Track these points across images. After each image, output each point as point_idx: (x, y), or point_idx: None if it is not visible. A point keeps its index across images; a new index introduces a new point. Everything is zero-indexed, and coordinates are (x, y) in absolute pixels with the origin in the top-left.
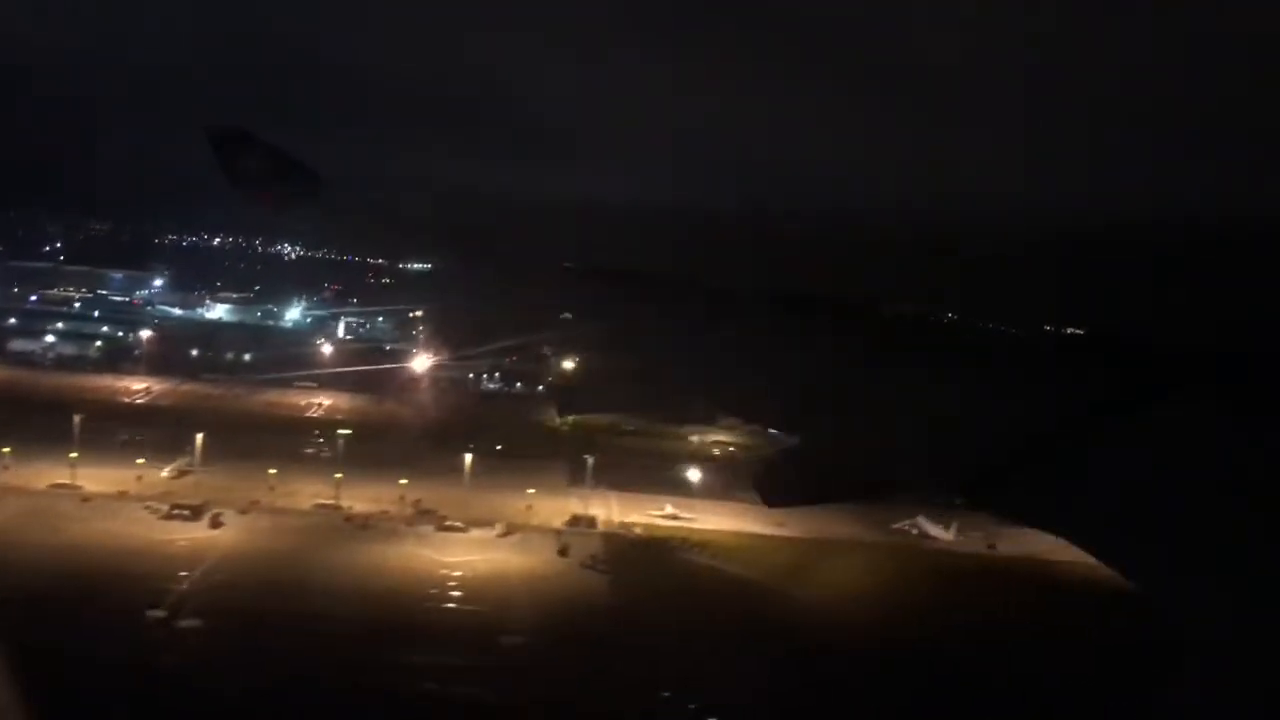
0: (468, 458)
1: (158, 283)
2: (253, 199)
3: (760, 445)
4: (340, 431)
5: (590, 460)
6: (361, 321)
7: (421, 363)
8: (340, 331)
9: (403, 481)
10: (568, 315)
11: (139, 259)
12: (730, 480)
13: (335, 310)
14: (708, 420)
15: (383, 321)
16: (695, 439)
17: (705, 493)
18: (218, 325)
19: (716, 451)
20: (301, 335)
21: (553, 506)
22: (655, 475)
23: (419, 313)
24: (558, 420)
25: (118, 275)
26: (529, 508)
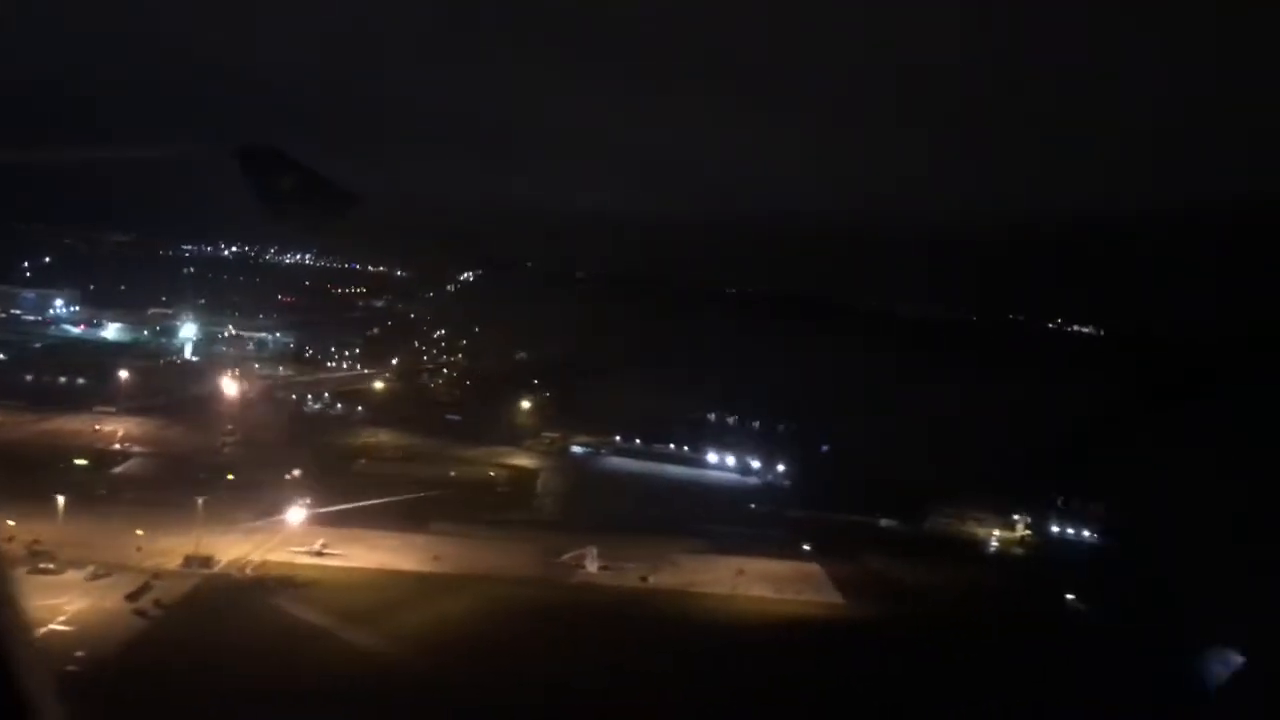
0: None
1: (60, 302)
2: (281, 216)
3: (547, 466)
4: (77, 462)
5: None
6: (266, 338)
7: (260, 381)
8: (229, 348)
9: (11, 522)
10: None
11: (123, 273)
12: (452, 507)
13: (245, 326)
14: (512, 441)
15: (280, 337)
16: (479, 461)
17: (404, 522)
18: (95, 345)
19: (492, 474)
20: (164, 353)
21: (174, 543)
22: (373, 502)
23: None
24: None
25: (30, 294)
26: (139, 549)
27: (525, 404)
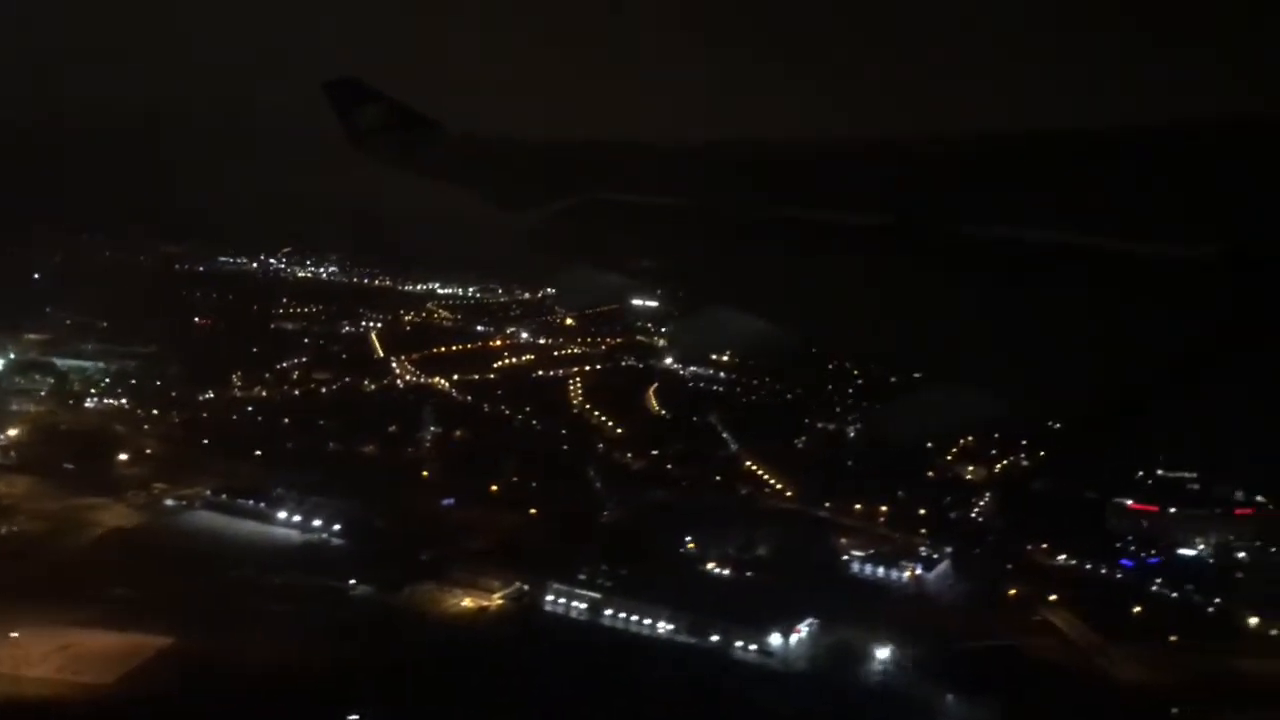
0: None
1: None
2: (375, 149)
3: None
4: None
5: None
6: (85, 366)
7: None
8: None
9: None
10: None
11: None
12: None
13: (64, 351)
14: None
15: (97, 365)
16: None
17: None
18: None
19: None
20: None
21: None
22: None
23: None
24: None
25: None
26: None
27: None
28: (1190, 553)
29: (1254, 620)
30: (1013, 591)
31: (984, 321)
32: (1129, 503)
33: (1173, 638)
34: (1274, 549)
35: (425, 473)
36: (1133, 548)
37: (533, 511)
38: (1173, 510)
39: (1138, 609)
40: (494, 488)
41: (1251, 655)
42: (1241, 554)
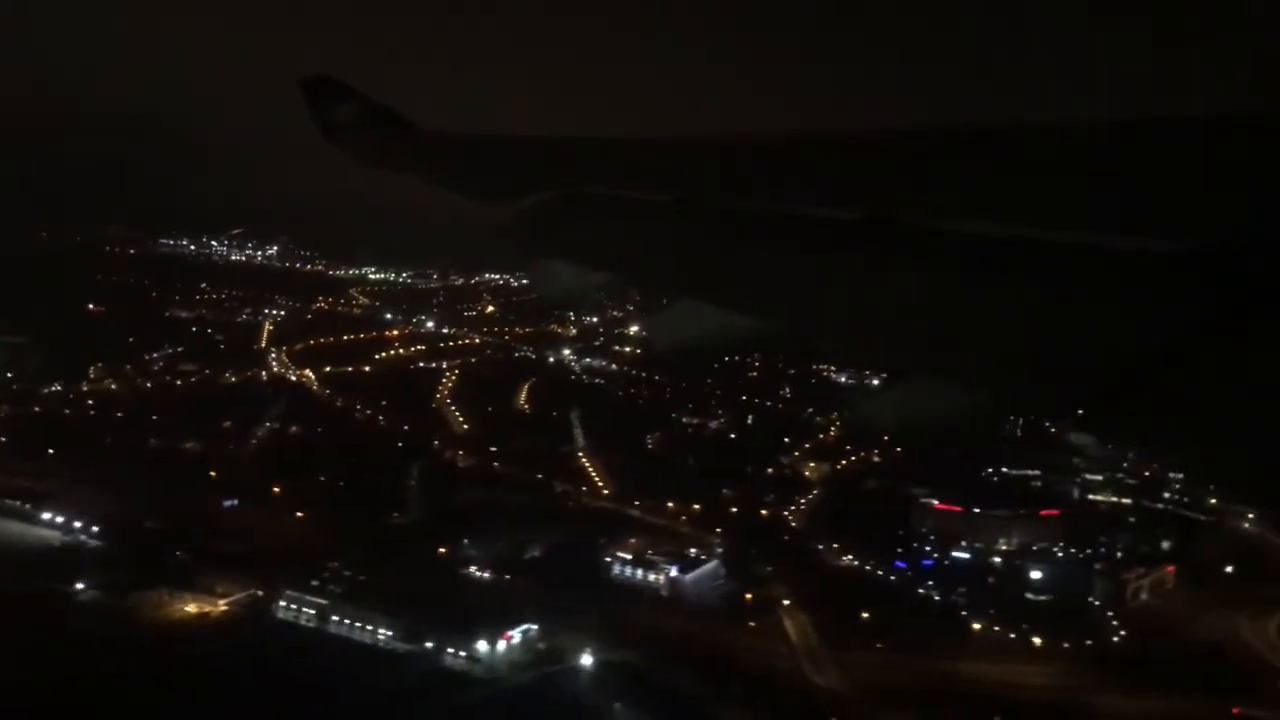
0: None
1: None
2: (349, 146)
3: None
4: None
5: None
6: None
7: None
8: None
9: None
10: None
11: None
12: None
13: None
14: None
15: None
16: None
17: None
18: None
19: None
20: None
21: None
22: None
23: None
24: None
25: None
26: None
27: None
28: (965, 555)
29: (977, 625)
30: (748, 596)
31: (961, 316)
32: (934, 503)
33: (879, 645)
34: (1035, 553)
35: (213, 472)
36: (927, 548)
37: (300, 515)
38: (976, 511)
39: (866, 614)
40: (276, 489)
41: (973, 659)
42: (996, 559)
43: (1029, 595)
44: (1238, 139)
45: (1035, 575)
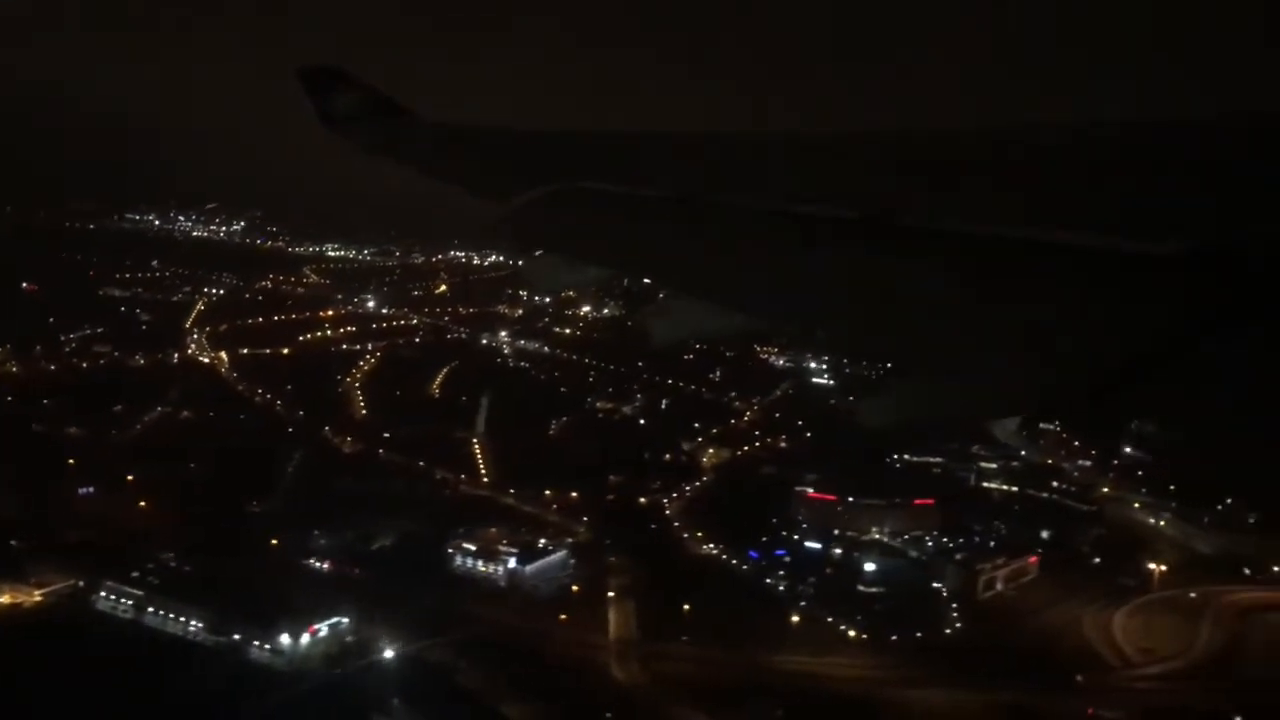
0: None
1: None
2: (349, 135)
3: None
4: None
5: None
6: None
7: None
8: None
9: None
10: None
11: None
12: None
13: None
14: None
15: None
16: None
17: None
18: None
19: None
20: None
21: None
22: None
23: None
24: None
25: None
26: None
27: None
28: (817, 545)
29: (808, 617)
30: (581, 587)
31: (958, 315)
32: (809, 491)
33: (685, 637)
34: (876, 544)
35: (71, 459)
36: (796, 538)
37: (152, 504)
38: (850, 499)
39: (686, 606)
40: (130, 478)
41: (787, 651)
42: (838, 549)
43: (861, 587)
44: (1237, 139)
45: (869, 567)
